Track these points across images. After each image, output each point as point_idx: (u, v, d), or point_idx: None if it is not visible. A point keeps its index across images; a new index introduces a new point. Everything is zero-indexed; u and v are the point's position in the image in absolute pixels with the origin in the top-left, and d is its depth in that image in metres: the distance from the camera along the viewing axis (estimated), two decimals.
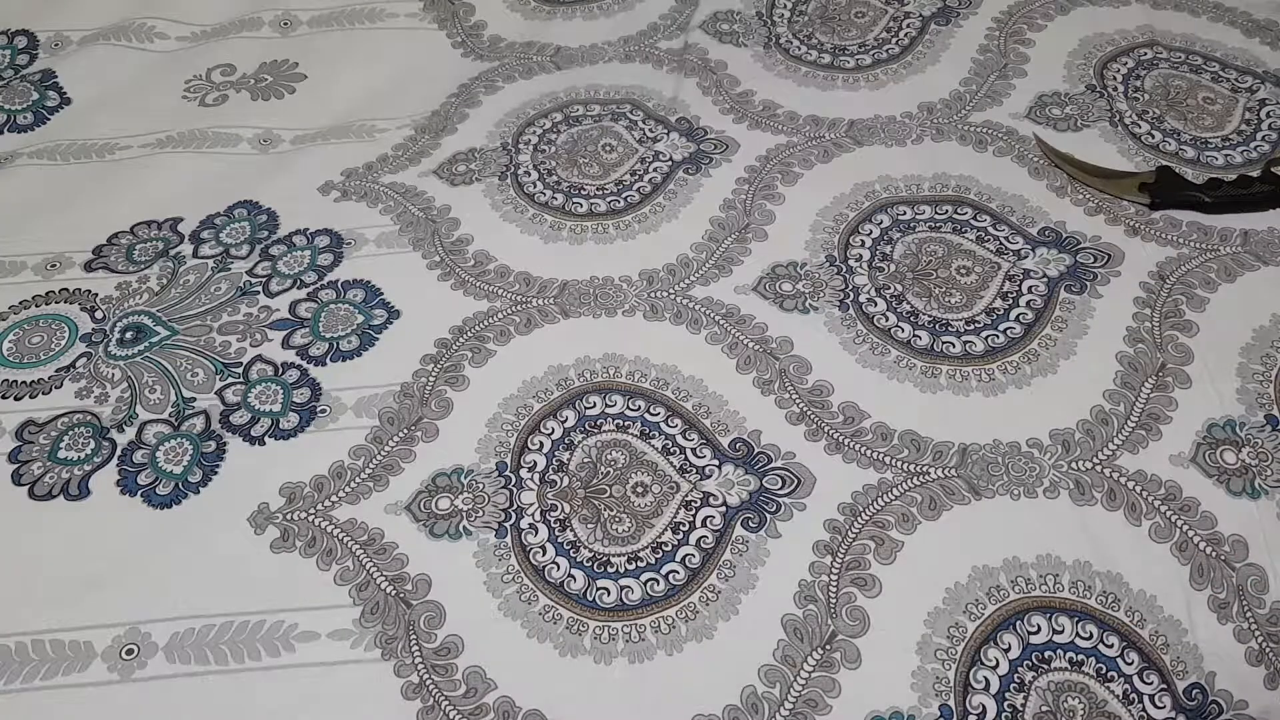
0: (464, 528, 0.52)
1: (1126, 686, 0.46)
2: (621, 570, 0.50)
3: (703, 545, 0.51)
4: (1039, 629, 0.47)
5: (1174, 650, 0.47)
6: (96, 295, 0.63)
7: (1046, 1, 0.77)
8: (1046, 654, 0.47)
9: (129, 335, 0.61)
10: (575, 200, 0.66)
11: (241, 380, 0.58)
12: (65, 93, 0.76)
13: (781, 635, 0.48)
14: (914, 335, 0.58)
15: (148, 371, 0.59)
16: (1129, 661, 0.47)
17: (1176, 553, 0.49)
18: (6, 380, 0.59)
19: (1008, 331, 0.57)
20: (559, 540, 0.51)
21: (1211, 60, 0.71)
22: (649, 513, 0.52)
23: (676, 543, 0.51)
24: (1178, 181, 0.62)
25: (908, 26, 0.77)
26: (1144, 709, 0.45)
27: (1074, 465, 0.52)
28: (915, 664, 0.47)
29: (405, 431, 0.55)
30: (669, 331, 0.59)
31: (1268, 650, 0.47)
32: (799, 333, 0.58)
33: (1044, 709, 0.45)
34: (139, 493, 0.54)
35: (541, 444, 0.55)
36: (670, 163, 0.68)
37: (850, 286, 0.60)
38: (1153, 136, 0.67)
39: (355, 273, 0.63)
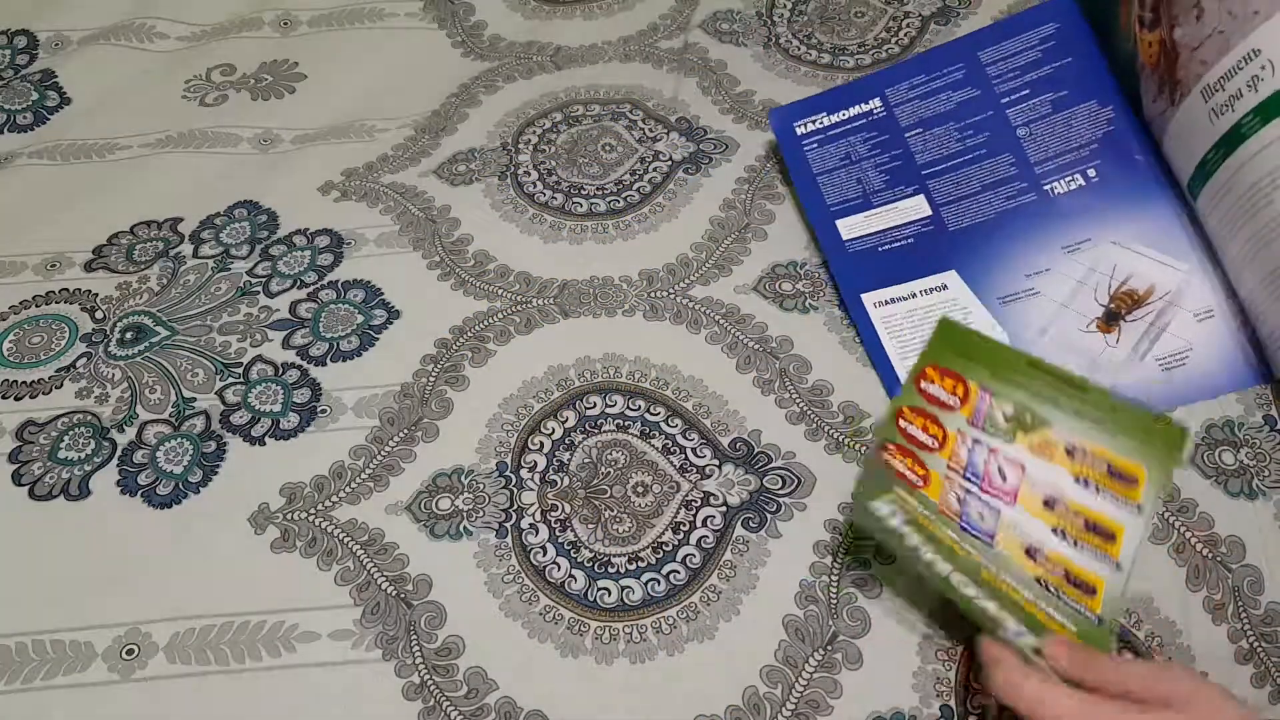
0: (464, 528, 0.52)
1: None
2: (622, 570, 0.50)
3: (703, 545, 0.51)
4: None
5: (1166, 651, 0.47)
6: (96, 295, 0.63)
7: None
8: None
9: (129, 335, 0.61)
10: (575, 200, 0.67)
11: (241, 380, 0.58)
12: (65, 93, 0.76)
13: (783, 635, 0.48)
14: None
15: (148, 371, 0.59)
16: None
17: (1174, 554, 0.49)
18: (6, 380, 0.59)
19: None
20: (560, 540, 0.51)
21: None
22: (649, 513, 0.52)
23: (677, 543, 0.51)
24: None
25: (907, 26, 0.77)
26: None
27: None
28: (916, 664, 0.47)
29: (405, 431, 0.55)
30: (669, 331, 0.59)
31: (1258, 649, 0.47)
32: (799, 332, 0.58)
33: None
34: (139, 493, 0.54)
35: (542, 444, 0.55)
36: (670, 162, 0.68)
37: None
38: None
39: (355, 273, 0.63)
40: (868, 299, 0.56)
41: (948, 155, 0.59)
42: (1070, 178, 0.57)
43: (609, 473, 0.53)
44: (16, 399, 0.58)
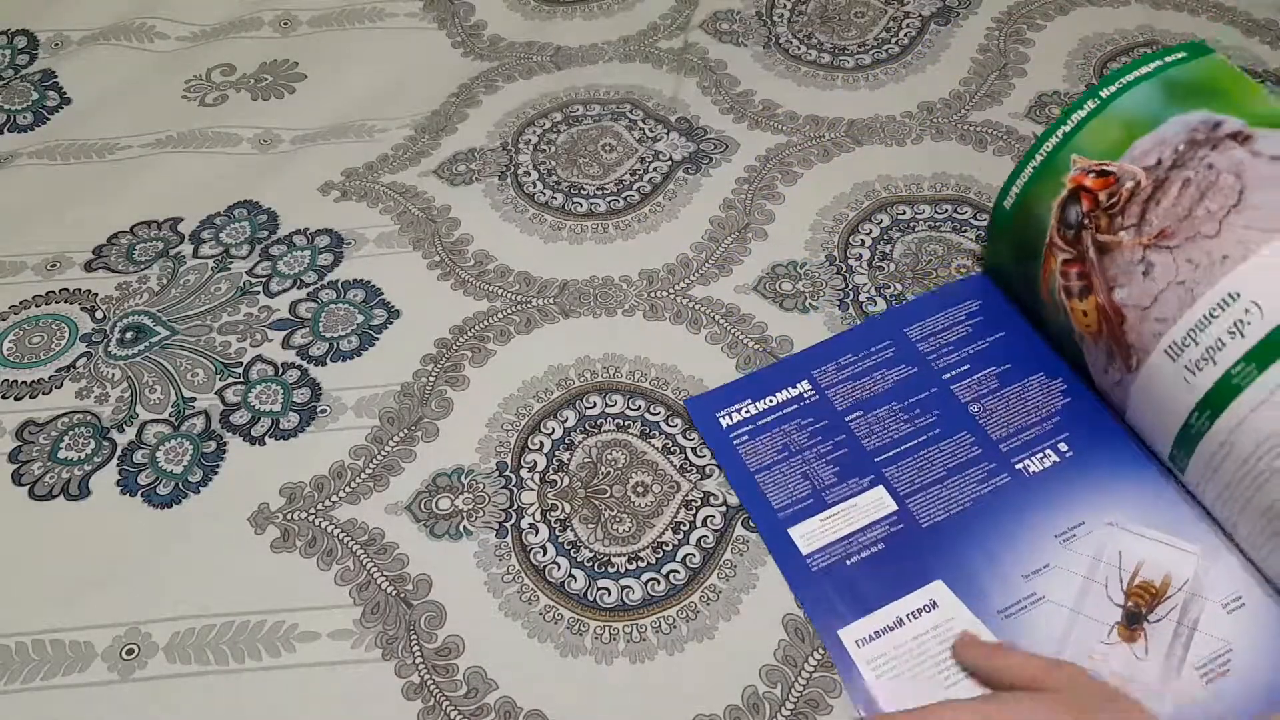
0: (464, 528, 0.52)
1: None
2: (622, 570, 0.50)
3: (703, 545, 0.51)
4: None
5: None
6: (96, 295, 0.63)
7: (1046, 1, 0.77)
8: None
9: (129, 335, 0.61)
10: (575, 200, 0.67)
11: (241, 380, 0.58)
12: (65, 93, 0.76)
13: (783, 635, 0.48)
14: None
15: (148, 371, 0.59)
16: None
17: None
18: (6, 380, 0.59)
19: None
20: (559, 540, 0.51)
21: None
22: (649, 512, 0.52)
23: (677, 542, 0.51)
24: None
25: (907, 26, 0.77)
26: None
27: None
28: None
29: (405, 431, 0.55)
30: (669, 331, 0.59)
31: None
32: (799, 332, 0.58)
33: None
34: (139, 493, 0.54)
35: (542, 444, 0.55)
36: (670, 162, 0.68)
37: (850, 286, 0.60)
38: None
39: (355, 273, 0.63)
40: (846, 636, 0.46)
41: (899, 438, 0.52)
42: (1042, 454, 0.51)
43: (609, 472, 0.53)
44: (16, 399, 0.58)
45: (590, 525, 0.52)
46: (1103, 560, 0.47)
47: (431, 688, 0.47)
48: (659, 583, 0.50)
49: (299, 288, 0.63)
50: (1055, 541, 0.48)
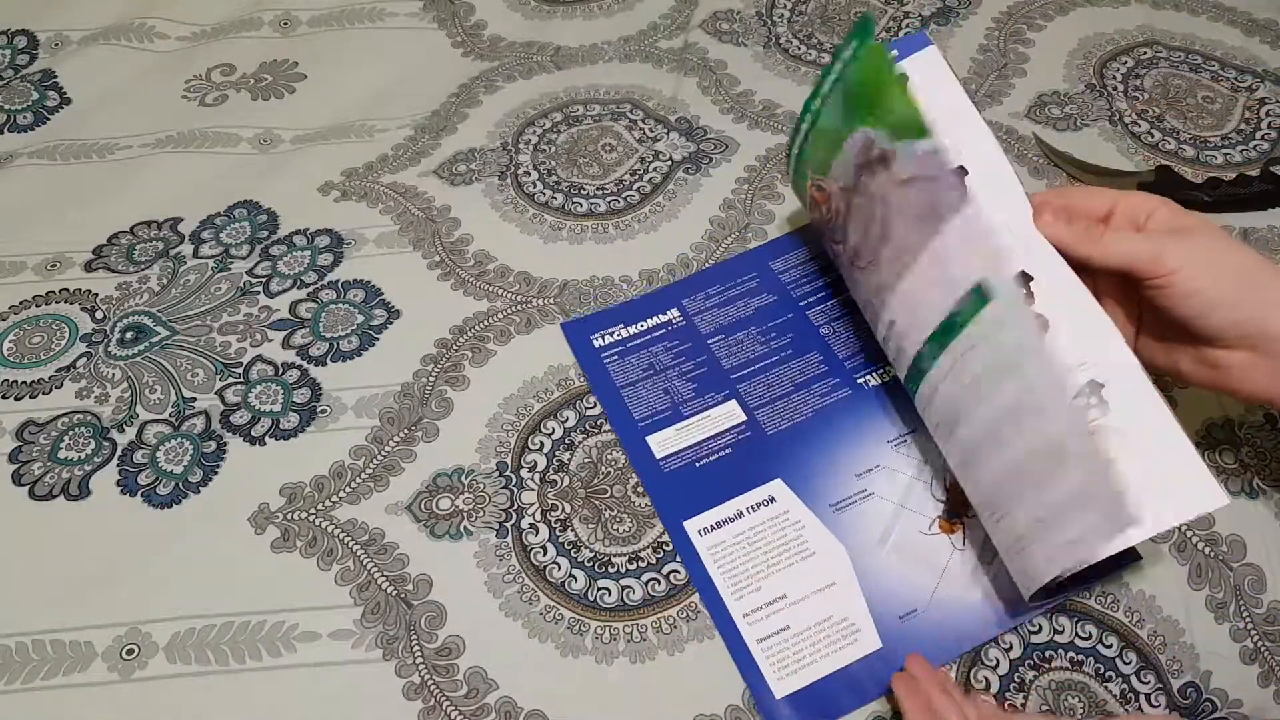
0: (465, 528, 0.52)
1: (1124, 685, 0.46)
2: (623, 570, 0.50)
3: None
4: (1040, 629, 0.47)
5: (1170, 650, 0.47)
6: (96, 295, 0.63)
7: (1046, 1, 0.77)
8: (1047, 653, 0.47)
9: (129, 335, 0.61)
10: (575, 200, 0.67)
11: (242, 380, 0.58)
12: (65, 93, 0.76)
13: None
14: None
15: (148, 371, 0.59)
16: (1127, 661, 0.47)
17: (1175, 553, 0.49)
18: (6, 380, 0.59)
19: None
20: (560, 540, 0.51)
21: (1211, 59, 0.71)
22: (649, 512, 0.52)
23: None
24: (1177, 180, 0.62)
25: (908, 26, 0.77)
26: (1140, 707, 0.46)
27: None
28: None
29: (405, 431, 0.55)
30: None
31: (1263, 649, 0.47)
32: None
33: (1044, 707, 0.46)
34: (139, 493, 0.54)
35: (542, 444, 0.55)
36: (670, 162, 0.68)
37: None
38: (1152, 135, 0.67)
39: (355, 273, 0.63)
40: (690, 526, 0.50)
41: (755, 358, 0.56)
42: (882, 370, 0.55)
43: (609, 472, 0.53)
44: (16, 399, 0.58)
45: (590, 525, 0.52)
46: (929, 463, 0.52)
47: (432, 688, 0.47)
48: (659, 583, 0.50)
49: (299, 288, 0.63)
50: (887, 445, 0.53)
